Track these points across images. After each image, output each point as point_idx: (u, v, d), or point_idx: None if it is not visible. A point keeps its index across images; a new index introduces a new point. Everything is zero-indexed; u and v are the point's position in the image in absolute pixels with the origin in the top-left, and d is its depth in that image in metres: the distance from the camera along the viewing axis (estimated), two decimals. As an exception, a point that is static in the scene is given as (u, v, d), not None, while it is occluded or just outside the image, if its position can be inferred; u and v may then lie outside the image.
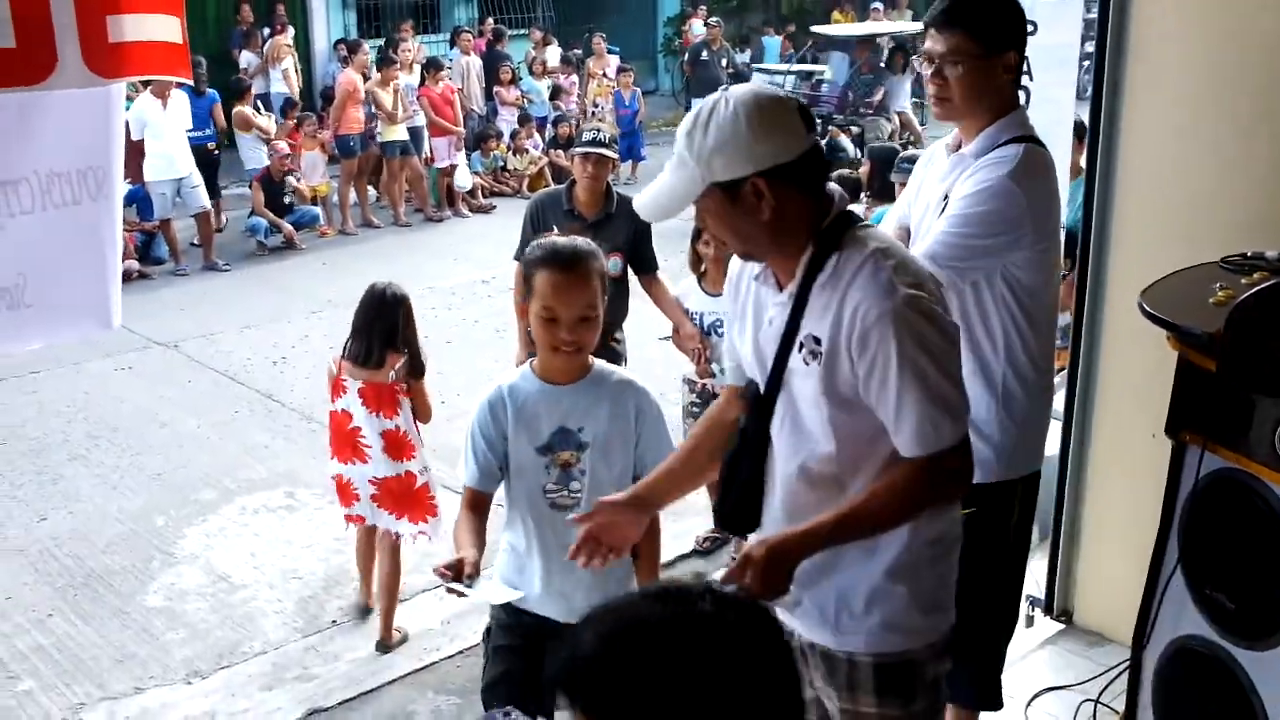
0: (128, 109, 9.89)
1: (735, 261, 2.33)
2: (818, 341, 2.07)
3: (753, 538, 2.33)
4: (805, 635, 2.24)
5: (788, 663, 1.28)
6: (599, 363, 2.66)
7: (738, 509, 2.32)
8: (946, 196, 2.71)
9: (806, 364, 2.08)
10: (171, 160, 9.96)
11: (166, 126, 9.92)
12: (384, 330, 4.32)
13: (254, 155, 11.19)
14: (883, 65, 14.14)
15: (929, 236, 2.62)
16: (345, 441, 4.38)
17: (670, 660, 1.19)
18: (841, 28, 16.22)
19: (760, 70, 14.36)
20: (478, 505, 2.61)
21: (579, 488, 2.60)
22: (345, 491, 4.48)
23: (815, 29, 16.56)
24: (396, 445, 4.33)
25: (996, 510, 2.77)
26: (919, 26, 16.72)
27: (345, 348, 4.39)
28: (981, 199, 2.58)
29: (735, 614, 1.25)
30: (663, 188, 2.11)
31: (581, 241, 2.58)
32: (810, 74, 13.80)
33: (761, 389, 2.21)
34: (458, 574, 2.29)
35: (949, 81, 2.68)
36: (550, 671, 1.26)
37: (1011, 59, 2.70)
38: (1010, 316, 2.68)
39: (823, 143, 10.72)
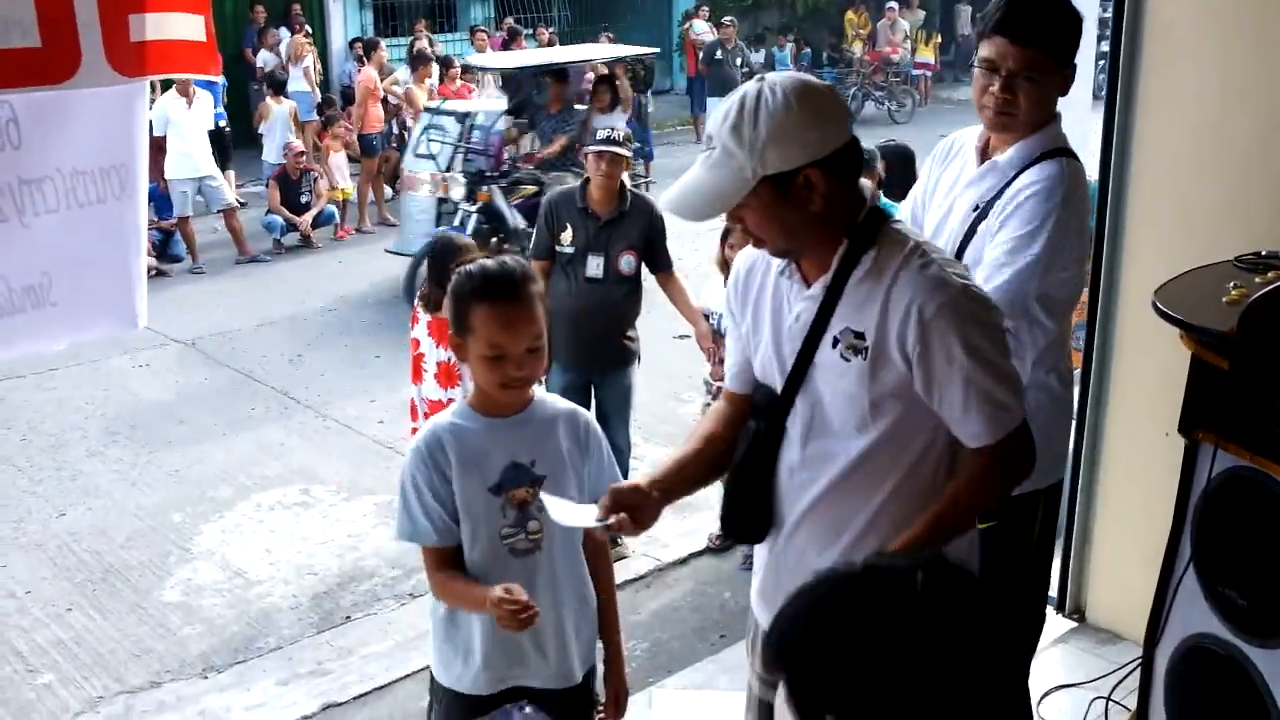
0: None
1: (740, 261, 2.27)
2: (859, 336, 2.02)
3: (760, 548, 2.30)
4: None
5: (1008, 641, 1.23)
6: (539, 391, 2.44)
7: (747, 515, 2.25)
8: (977, 207, 2.63)
9: (846, 359, 2.04)
10: (193, 158, 10.05)
11: (189, 125, 10.03)
12: (439, 277, 4.70)
13: (275, 153, 11.25)
14: (579, 102, 10.22)
15: (994, 276, 2.50)
16: (415, 365, 4.91)
17: (885, 640, 1.16)
18: (496, 57, 12.21)
19: (429, 110, 10.23)
20: (449, 562, 2.36)
21: (537, 527, 2.36)
22: (413, 410, 4.96)
23: (467, 59, 12.63)
24: (446, 375, 4.79)
25: (1019, 522, 2.73)
26: (628, 51, 11.86)
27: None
28: (1042, 236, 2.50)
29: (953, 590, 1.21)
30: (702, 187, 2.00)
31: (512, 261, 2.31)
32: (466, 115, 9.68)
33: (779, 388, 2.17)
34: (525, 607, 2.15)
35: (1017, 97, 2.55)
36: (768, 641, 1.24)
37: (1070, 74, 2.62)
38: (1043, 332, 2.64)
39: (473, 208, 8.59)
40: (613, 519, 2.13)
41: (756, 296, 2.22)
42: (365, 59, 12.37)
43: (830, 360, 2.06)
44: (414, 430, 4.92)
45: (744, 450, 2.25)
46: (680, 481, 2.29)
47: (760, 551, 2.34)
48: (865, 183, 2.14)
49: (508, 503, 2.34)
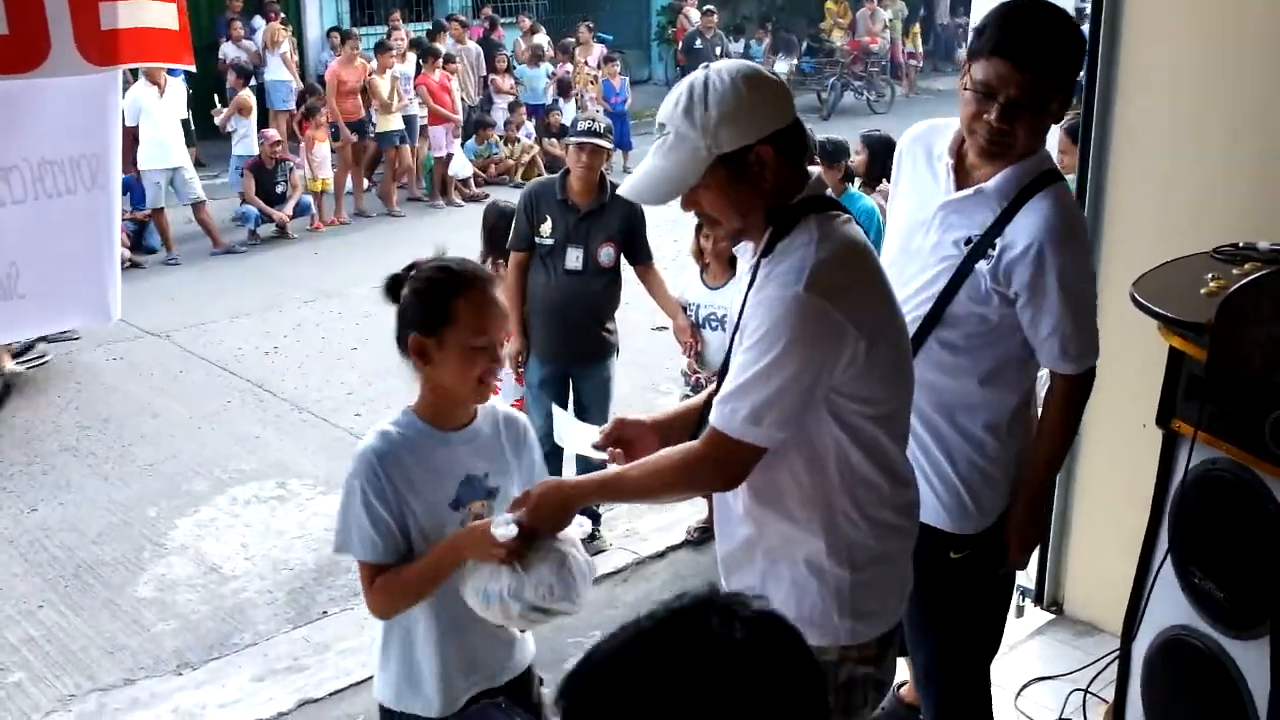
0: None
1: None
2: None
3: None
4: None
5: (814, 685, 1.21)
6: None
7: None
8: (970, 240, 2.51)
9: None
10: (166, 148, 9.96)
11: (161, 114, 9.93)
12: (486, 239, 5.46)
13: (247, 143, 11.16)
14: None
15: (1072, 344, 2.53)
16: None
17: (687, 692, 1.14)
18: None
19: None
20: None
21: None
22: None
23: None
24: None
25: (989, 551, 2.70)
26: None
27: None
28: (1084, 284, 2.53)
29: (755, 635, 1.18)
30: (662, 171, 2.07)
31: (470, 261, 2.34)
32: None
33: None
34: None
35: (1014, 128, 2.39)
36: (559, 692, 1.20)
37: (1068, 100, 2.48)
38: (1034, 364, 2.63)
39: None
40: (608, 452, 2.26)
41: None
42: (336, 49, 12.27)
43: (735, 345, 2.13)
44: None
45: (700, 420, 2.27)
46: (680, 427, 2.33)
47: None
48: (814, 169, 2.15)
49: (468, 516, 2.29)
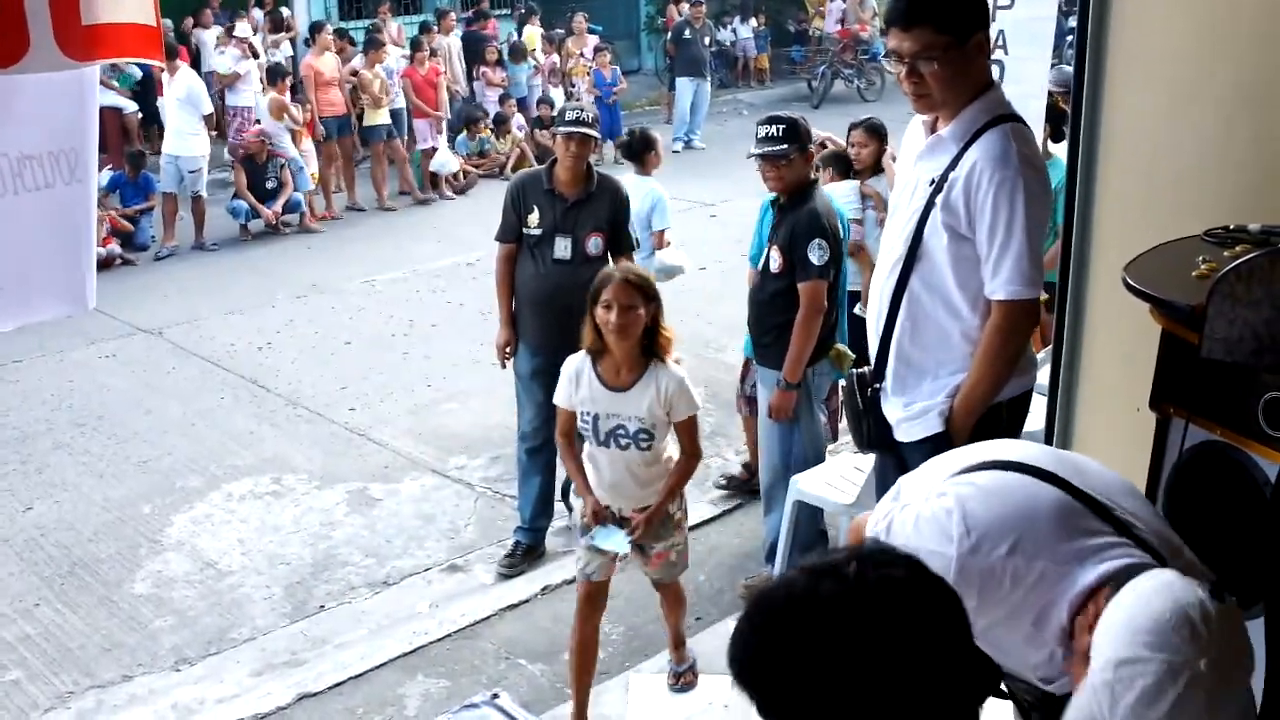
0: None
1: None
2: None
3: None
4: None
5: (959, 626, 1.26)
6: None
7: None
8: (934, 182, 2.78)
9: None
10: (176, 136, 10.23)
11: (169, 102, 10.27)
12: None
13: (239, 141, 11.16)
14: None
15: (1003, 269, 2.73)
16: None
17: (832, 638, 1.20)
18: None
19: None
20: None
21: None
22: None
23: None
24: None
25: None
26: None
27: None
28: (1019, 216, 2.70)
29: (896, 585, 1.25)
30: None
31: None
32: None
33: None
34: None
35: (925, 78, 2.71)
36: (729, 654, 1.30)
37: (981, 39, 2.74)
38: None
39: None
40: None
41: None
42: (310, 43, 12.18)
43: None
44: None
45: None
46: None
47: None
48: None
49: None
